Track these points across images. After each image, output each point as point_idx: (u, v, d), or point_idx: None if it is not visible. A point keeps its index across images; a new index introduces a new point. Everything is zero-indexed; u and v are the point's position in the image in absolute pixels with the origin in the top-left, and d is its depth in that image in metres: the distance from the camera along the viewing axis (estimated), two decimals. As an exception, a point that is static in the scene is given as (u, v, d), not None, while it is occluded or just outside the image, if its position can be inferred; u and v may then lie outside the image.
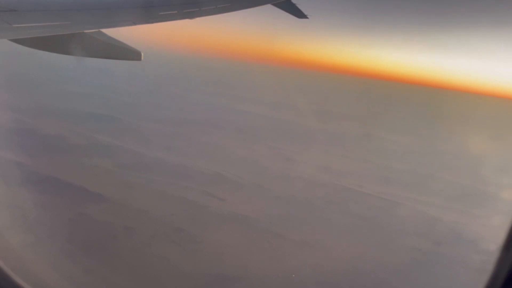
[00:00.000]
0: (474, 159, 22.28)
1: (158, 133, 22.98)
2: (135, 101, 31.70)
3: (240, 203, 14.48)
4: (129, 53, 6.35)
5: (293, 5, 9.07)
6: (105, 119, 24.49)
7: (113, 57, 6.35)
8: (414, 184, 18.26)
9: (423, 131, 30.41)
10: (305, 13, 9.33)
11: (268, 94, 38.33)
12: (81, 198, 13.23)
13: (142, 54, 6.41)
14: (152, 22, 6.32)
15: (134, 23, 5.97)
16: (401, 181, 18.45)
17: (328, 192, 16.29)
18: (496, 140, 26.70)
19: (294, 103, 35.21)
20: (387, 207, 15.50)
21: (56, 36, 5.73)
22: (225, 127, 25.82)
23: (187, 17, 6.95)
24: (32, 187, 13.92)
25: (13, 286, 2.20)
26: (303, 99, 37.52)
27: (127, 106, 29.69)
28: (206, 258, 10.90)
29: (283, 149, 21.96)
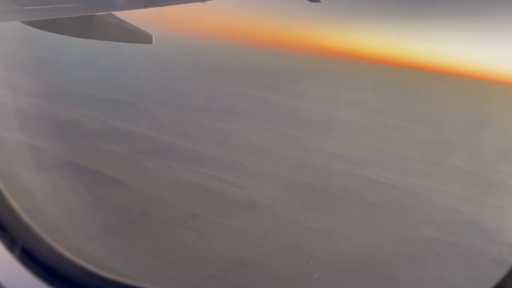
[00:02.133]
0: (490, 147, 21.98)
1: (172, 118, 23.02)
2: (148, 86, 31.77)
3: (256, 190, 14.51)
4: (140, 36, 6.31)
5: None
6: (119, 104, 24.60)
7: (124, 40, 6.31)
8: (430, 173, 18.09)
9: (437, 119, 30.01)
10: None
11: (280, 80, 38.07)
12: (99, 183, 13.37)
13: (153, 37, 6.35)
14: (163, 5, 6.24)
15: (145, 6, 5.92)
16: (417, 170, 18.30)
17: (344, 180, 16.24)
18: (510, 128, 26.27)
19: (307, 90, 34.95)
20: (403, 196, 15.40)
21: (68, 19, 5.71)
22: (239, 113, 25.76)
23: (198, 0, 6.86)
24: (50, 171, 14.11)
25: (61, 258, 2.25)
26: (316, 86, 37.18)
27: (141, 91, 29.77)
28: (223, 244, 10.98)
29: (297, 136, 21.87)
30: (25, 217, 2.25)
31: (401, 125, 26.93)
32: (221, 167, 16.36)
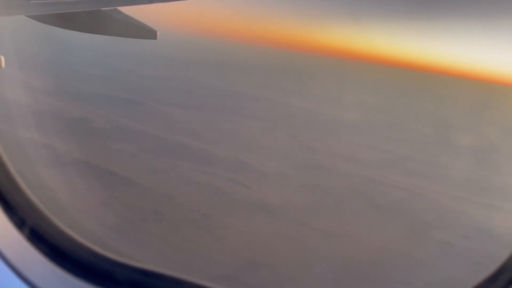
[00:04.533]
0: (498, 150, 21.95)
1: (179, 118, 23.07)
2: (155, 84, 31.82)
3: (265, 191, 14.57)
4: (145, 32, 6.29)
5: None
6: (126, 102, 24.70)
7: (129, 35, 6.29)
8: (438, 175, 18.10)
9: (444, 121, 29.97)
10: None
11: (287, 80, 38.07)
12: (110, 182, 13.45)
13: (158, 33, 6.34)
14: (169, 0, 6.22)
15: (151, 2, 5.93)
16: (425, 173, 18.31)
17: (352, 182, 16.26)
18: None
19: (313, 90, 34.94)
20: (413, 198, 15.42)
21: (73, 13, 5.73)
22: (245, 113, 25.79)
23: None
24: (60, 169, 14.19)
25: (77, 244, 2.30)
26: (322, 86, 37.17)
27: (147, 89, 29.82)
28: (235, 245, 11.04)
29: (304, 137, 21.90)
30: (34, 198, 2.30)
31: (408, 126, 26.92)
32: (230, 168, 16.41)
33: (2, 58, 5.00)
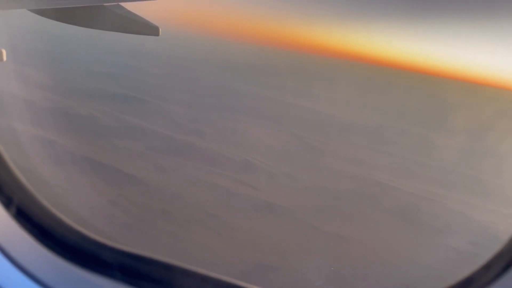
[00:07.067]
0: (505, 155, 21.90)
1: (184, 116, 23.04)
2: (159, 82, 31.77)
3: (272, 192, 14.53)
4: (147, 28, 6.27)
5: None
6: (131, 100, 24.66)
7: (131, 31, 6.28)
8: (445, 181, 18.07)
9: (451, 126, 29.95)
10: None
11: (291, 80, 38.03)
12: (118, 180, 13.42)
13: (160, 29, 6.32)
14: None
15: None
16: (432, 178, 18.27)
17: (359, 185, 16.22)
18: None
19: (318, 91, 34.90)
20: (420, 203, 15.39)
21: (75, 8, 5.74)
22: (250, 113, 25.77)
23: None
24: (69, 167, 14.16)
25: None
26: (326, 87, 37.13)
27: (151, 87, 29.78)
28: (243, 246, 11.01)
29: (310, 138, 21.86)
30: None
31: (413, 130, 26.88)
32: (236, 168, 16.38)
33: (4, 51, 4.98)
